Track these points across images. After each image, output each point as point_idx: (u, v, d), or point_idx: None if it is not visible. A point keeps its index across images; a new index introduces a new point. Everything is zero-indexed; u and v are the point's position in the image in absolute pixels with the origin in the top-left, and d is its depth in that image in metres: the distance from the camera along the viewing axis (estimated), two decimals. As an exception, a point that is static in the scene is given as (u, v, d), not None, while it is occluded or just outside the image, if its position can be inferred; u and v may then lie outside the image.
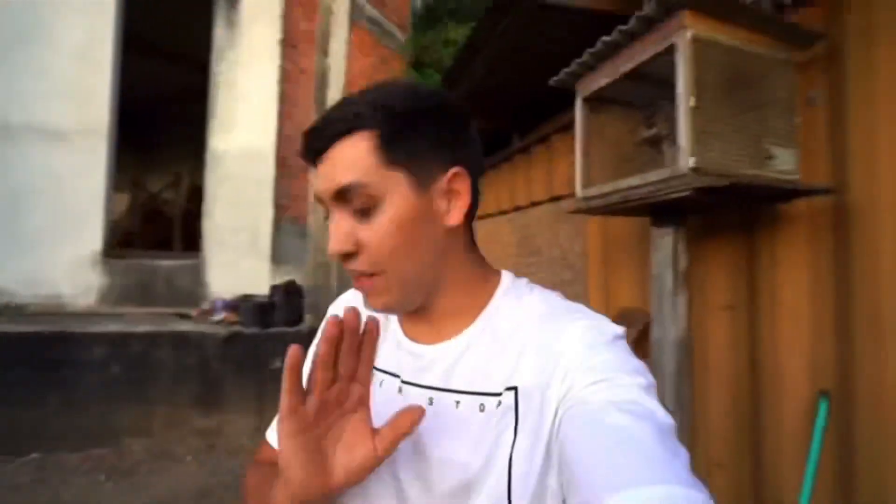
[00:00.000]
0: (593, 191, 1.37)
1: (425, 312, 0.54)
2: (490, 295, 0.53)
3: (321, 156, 0.48)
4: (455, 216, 0.49)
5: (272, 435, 0.67)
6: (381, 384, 0.55)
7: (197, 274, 4.20)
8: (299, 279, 3.91)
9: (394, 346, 0.57)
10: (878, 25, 1.08)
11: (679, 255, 1.24)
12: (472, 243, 0.55)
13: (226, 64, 4.36)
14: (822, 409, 1.18)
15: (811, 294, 1.23)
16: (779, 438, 1.28)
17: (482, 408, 0.47)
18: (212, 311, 3.84)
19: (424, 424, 0.49)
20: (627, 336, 0.49)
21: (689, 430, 1.34)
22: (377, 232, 0.46)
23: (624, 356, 0.44)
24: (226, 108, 4.30)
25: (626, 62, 1.21)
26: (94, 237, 4.03)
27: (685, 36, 1.02)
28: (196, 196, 7.74)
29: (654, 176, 1.13)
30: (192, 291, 4.17)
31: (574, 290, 2.28)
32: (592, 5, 1.42)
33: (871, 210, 1.08)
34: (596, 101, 1.43)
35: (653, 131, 1.35)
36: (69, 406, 3.15)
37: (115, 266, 4.10)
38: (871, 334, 1.08)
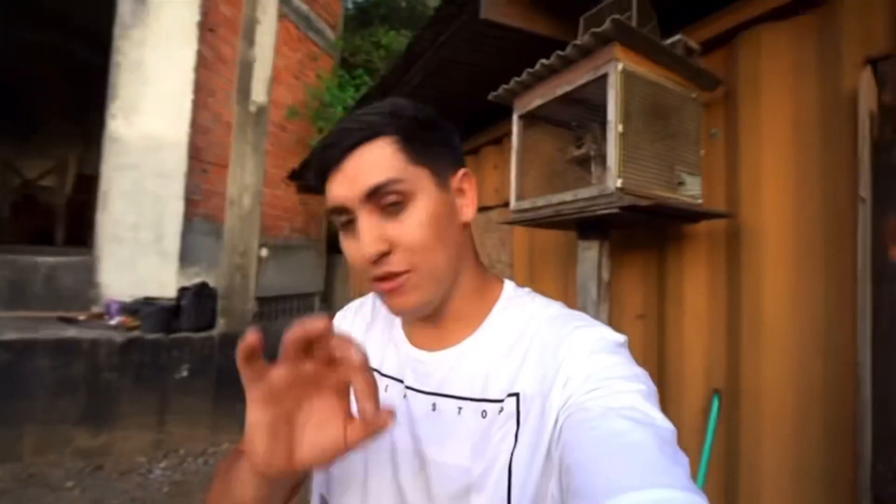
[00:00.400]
0: (526, 204, 1.44)
1: (434, 317, 0.55)
2: (492, 303, 0.55)
3: (339, 165, 0.49)
4: (468, 212, 0.53)
5: None
6: (385, 389, 0.56)
7: (87, 273, 3.72)
8: (212, 281, 3.62)
9: (398, 352, 0.58)
10: (763, 74, 1.27)
11: (603, 268, 1.35)
12: (476, 250, 0.58)
13: (131, 43, 3.94)
14: (715, 405, 1.34)
15: (709, 303, 1.40)
16: (680, 433, 1.44)
17: (484, 414, 0.48)
18: (105, 315, 3.42)
19: (426, 430, 0.50)
20: None
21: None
22: (411, 226, 0.48)
23: (625, 363, 0.44)
24: (130, 90, 3.88)
25: (563, 85, 1.29)
26: (-50, 227, 3.41)
27: (617, 67, 1.12)
28: (85, 185, 6.87)
29: (584, 193, 1.22)
30: (79, 293, 3.68)
31: (500, 297, 2.36)
32: (531, 27, 1.51)
33: (756, 231, 1.26)
34: (530, 119, 1.51)
35: (581, 151, 1.46)
36: None
37: (-23, 262, 3.50)
38: (754, 337, 1.25)
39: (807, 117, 1.19)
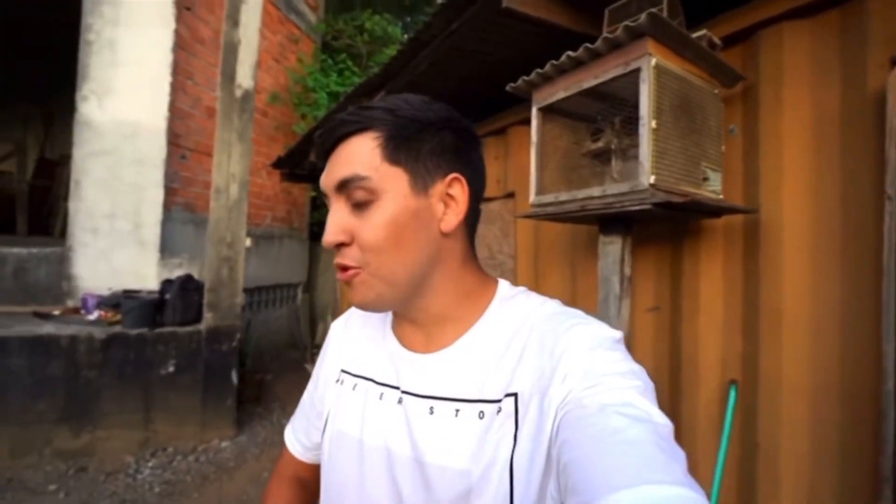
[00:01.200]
0: (548, 198, 1.43)
1: (416, 319, 0.54)
2: (487, 302, 0.55)
3: (329, 153, 0.52)
4: (450, 222, 0.51)
5: (290, 435, 0.68)
6: (381, 397, 0.55)
7: (59, 265, 3.52)
8: (195, 273, 3.49)
9: (390, 357, 0.57)
10: (785, 71, 1.29)
11: (625, 262, 1.36)
12: (470, 255, 0.56)
13: (103, 20, 3.70)
14: (732, 395, 1.38)
15: (724, 296, 1.43)
16: (694, 422, 1.47)
17: (482, 415, 0.47)
18: (81, 310, 3.25)
19: (424, 434, 0.50)
20: None
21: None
22: (369, 225, 0.48)
23: (622, 360, 0.44)
24: (103, 72, 3.65)
25: (588, 79, 1.28)
26: None
27: (650, 62, 1.11)
28: (47, 170, 6.48)
29: (613, 189, 1.22)
30: (51, 286, 3.48)
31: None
32: (551, 17, 1.48)
33: (776, 226, 1.29)
34: (546, 111, 1.49)
35: (599, 144, 1.45)
36: None
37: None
38: (773, 329, 1.28)
39: (829, 115, 1.21)
